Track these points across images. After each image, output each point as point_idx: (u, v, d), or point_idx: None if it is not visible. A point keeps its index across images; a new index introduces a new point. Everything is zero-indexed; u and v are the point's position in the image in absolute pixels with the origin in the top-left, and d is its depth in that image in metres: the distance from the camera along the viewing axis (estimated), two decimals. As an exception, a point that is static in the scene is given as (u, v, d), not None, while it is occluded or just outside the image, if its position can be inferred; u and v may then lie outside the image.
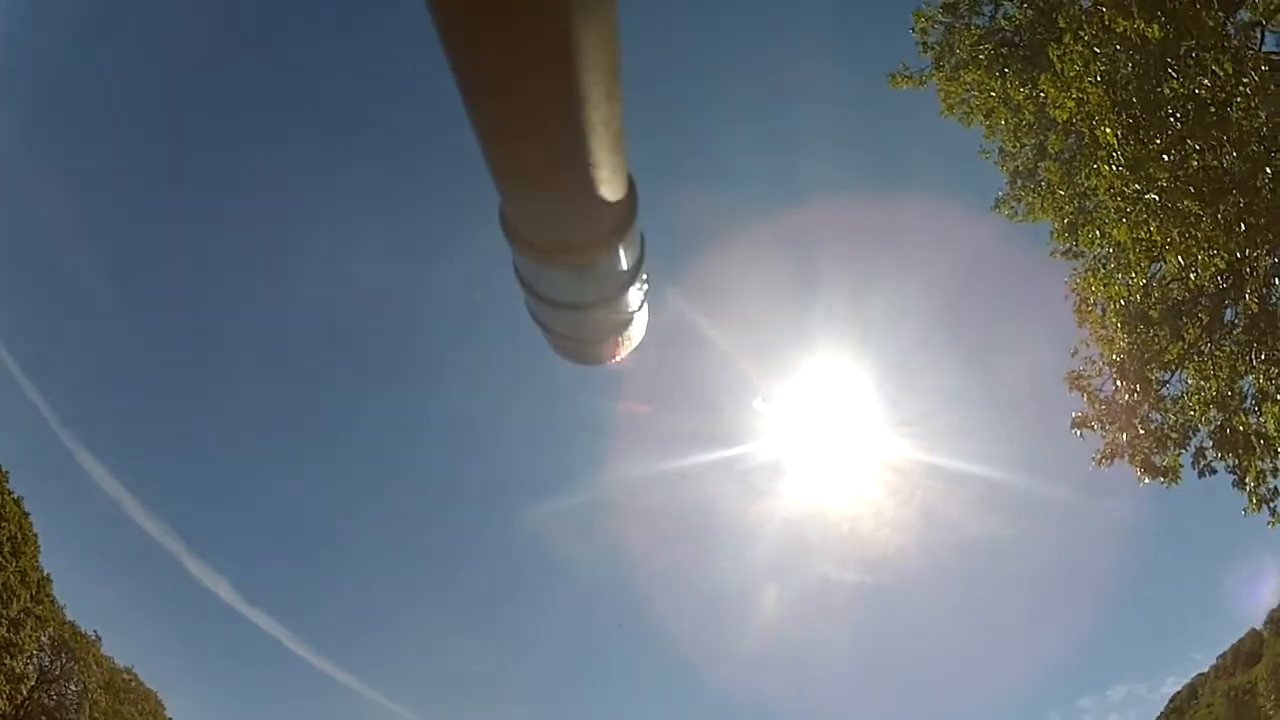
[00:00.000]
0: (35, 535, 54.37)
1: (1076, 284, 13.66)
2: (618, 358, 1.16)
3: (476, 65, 0.58)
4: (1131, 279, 12.27)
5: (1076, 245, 13.75)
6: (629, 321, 1.04)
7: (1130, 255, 12.03)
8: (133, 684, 61.19)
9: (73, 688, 56.67)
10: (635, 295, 0.98)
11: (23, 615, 51.31)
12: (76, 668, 56.62)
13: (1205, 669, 76.00)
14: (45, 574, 55.03)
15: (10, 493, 53.61)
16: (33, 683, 54.30)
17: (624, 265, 0.90)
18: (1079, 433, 13.43)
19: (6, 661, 49.92)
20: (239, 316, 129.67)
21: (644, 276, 0.97)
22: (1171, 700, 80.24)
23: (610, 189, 0.75)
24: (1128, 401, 12.86)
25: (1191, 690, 77.03)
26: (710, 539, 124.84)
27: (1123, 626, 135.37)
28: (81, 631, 58.26)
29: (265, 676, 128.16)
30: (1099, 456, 13.22)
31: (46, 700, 55.16)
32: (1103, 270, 13.01)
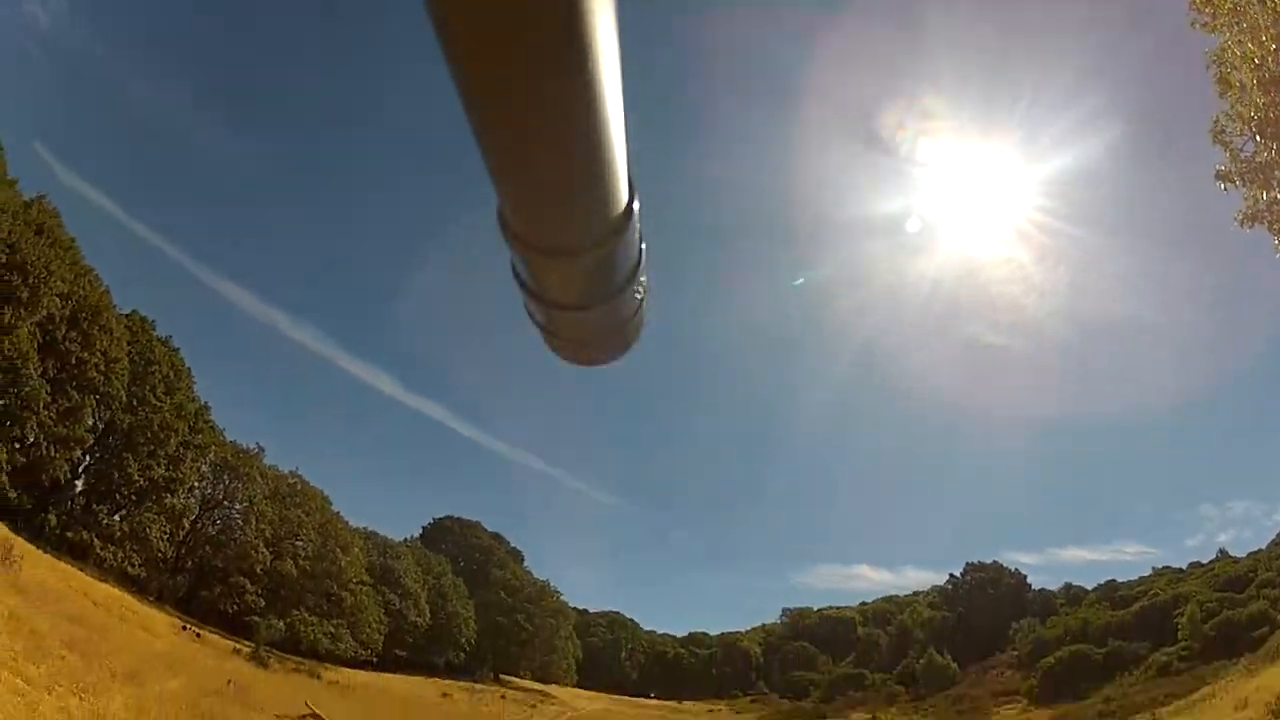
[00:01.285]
0: (188, 369, 56.64)
1: (1215, 54, 13.83)
2: (617, 359, 1.15)
3: (475, 65, 0.58)
4: (1264, 42, 12.35)
5: (1214, 13, 13.56)
6: (628, 322, 1.06)
7: (1262, 24, 12.02)
8: (298, 487, 64.69)
9: (238, 507, 60.99)
10: (634, 296, 1.00)
11: (181, 449, 54.63)
12: (240, 485, 60.47)
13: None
14: (202, 403, 57.93)
15: (157, 338, 56.11)
16: (195, 514, 59.26)
17: (623, 266, 0.91)
18: (1223, 186, 14.02)
19: (167, 500, 54.30)
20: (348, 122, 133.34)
21: (643, 277, 0.98)
22: (1286, 528, 76.23)
23: (610, 189, 0.75)
24: (1267, 160, 13.19)
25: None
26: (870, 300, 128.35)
27: (1252, 441, 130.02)
28: (243, 449, 61.83)
29: (430, 459, 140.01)
30: (1241, 217, 13.83)
31: (210, 527, 60.10)
32: (1238, 31, 13.13)
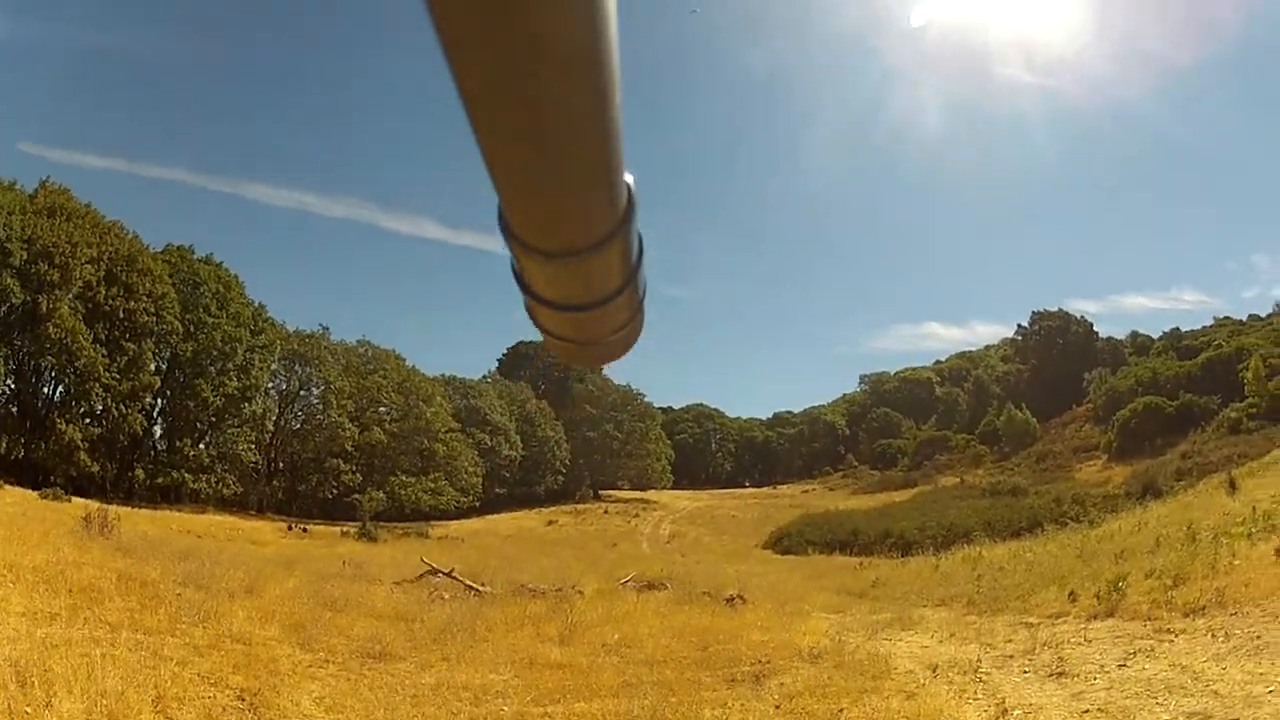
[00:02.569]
0: (236, 278, 59.01)
1: None
2: (615, 359, 1.17)
3: (475, 65, 0.58)
4: None
5: None
6: (628, 322, 1.06)
7: None
8: (369, 353, 67.82)
9: (315, 391, 64.64)
10: (634, 296, 1.00)
11: (248, 355, 57.86)
12: (313, 370, 64.05)
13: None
14: (257, 304, 60.80)
15: (199, 258, 57.64)
16: (276, 413, 62.95)
17: (623, 266, 0.92)
18: None
19: (246, 408, 57.78)
20: None
21: (642, 277, 0.99)
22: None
23: (608, 190, 0.76)
24: None
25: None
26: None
27: None
28: (308, 334, 65.00)
29: (485, 292, 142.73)
30: None
31: (293, 423, 64.11)
32: None
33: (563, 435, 78.21)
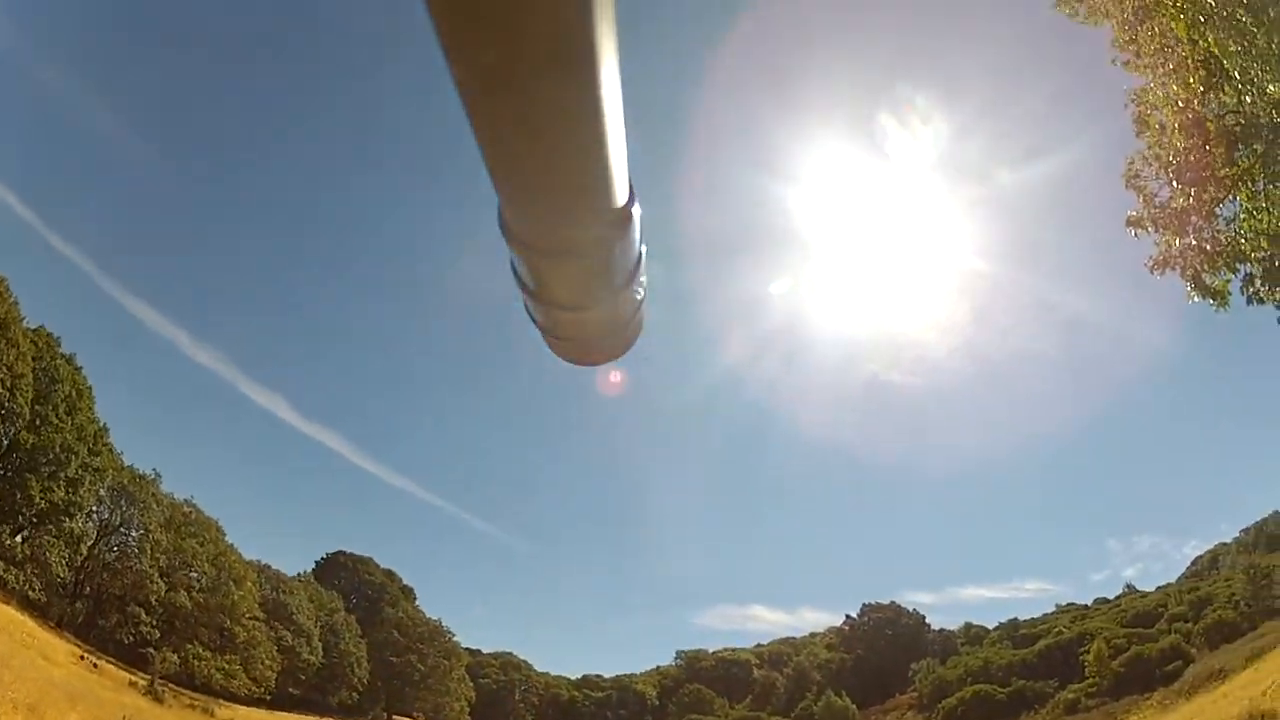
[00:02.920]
0: (90, 389, 55.39)
1: (1136, 93, 13.54)
2: (616, 359, 1.14)
3: (474, 62, 0.57)
4: (1190, 85, 11.94)
5: (1137, 51, 13.19)
6: (629, 322, 1.04)
7: (1189, 64, 11.68)
8: (193, 516, 63.39)
9: (134, 534, 58.91)
10: (635, 295, 0.98)
11: (81, 471, 53.01)
12: (136, 512, 58.68)
13: (1228, 539, 76.99)
14: (102, 424, 56.40)
15: (62, 355, 54.51)
16: (93, 539, 56.95)
17: (624, 265, 0.90)
18: (1134, 233, 13.56)
19: (66, 524, 52.20)
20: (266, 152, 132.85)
21: (643, 276, 0.97)
22: (1193, 563, 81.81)
23: (609, 187, 0.74)
24: (1182, 206, 12.79)
25: (1213, 558, 78.14)
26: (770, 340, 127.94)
27: (1157, 477, 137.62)
28: (141, 474, 60.28)
29: (326, 491, 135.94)
30: (1152, 264, 13.39)
31: (107, 554, 57.87)
32: (1161, 72, 12.67)
33: (365, 654, 73.11)
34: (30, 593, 47.16)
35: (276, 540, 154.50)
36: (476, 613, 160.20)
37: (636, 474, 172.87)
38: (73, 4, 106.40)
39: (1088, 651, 61.98)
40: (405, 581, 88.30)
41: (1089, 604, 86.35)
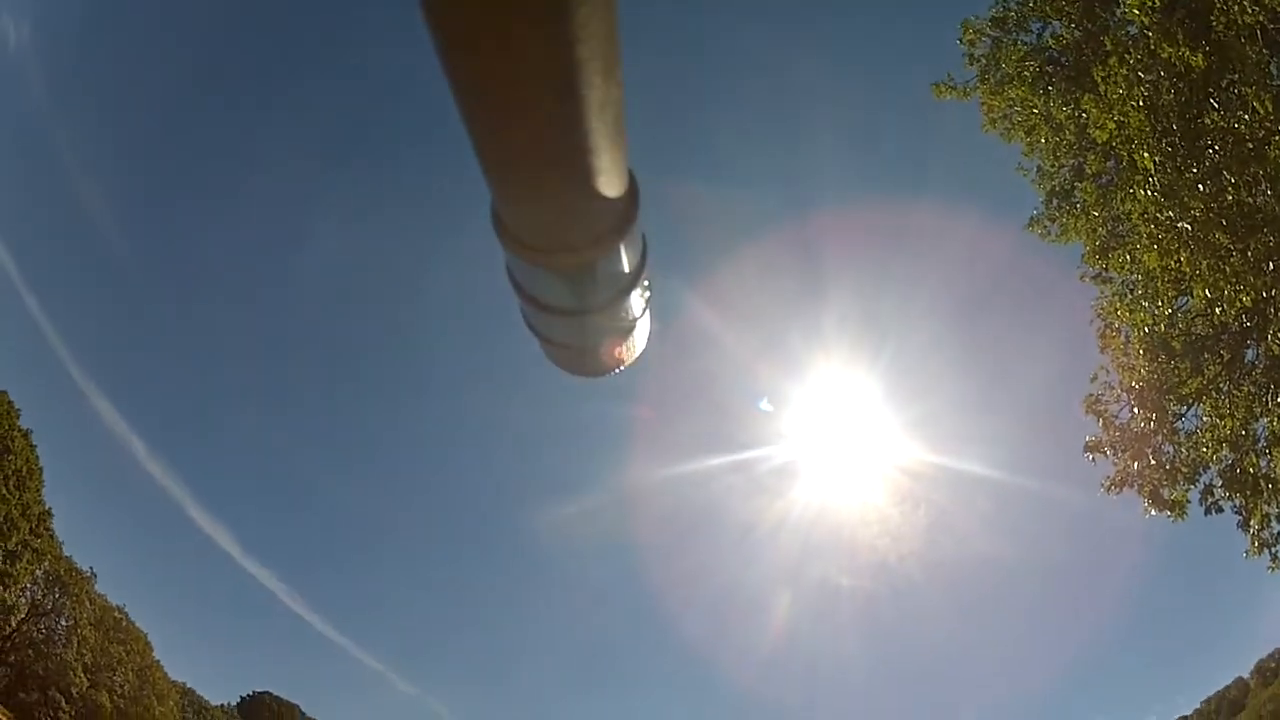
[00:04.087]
0: (41, 469, 54.45)
1: (1103, 309, 13.73)
2: (619, 368, 1.07)
3: (467, 54, 0.55)
4: (1158, 308, 12.30)
5: (1106, 270, 13.61)
6: (631, 328, 0.98)
7: (1159, 284, 12.05)
8: (123, 623, 61.43)
9: (63, 622, 57.12)
10: (637, 300, 0.92)
11: (20, 547, 51.66)
12: (68, 603, 57.01)
13: (1188, 712, 76.03)
14: (47, 508, 55.19)
15: (20, 427, 53.87)
16: (23, 615, 54.84)
17: (625, 267, 0.85)
18: (1091, 458, 13.44)
19: (0, 592, 50.40)
20: (249, 268, 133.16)
21: (646, 280, 0.91)
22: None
23: (609, 185, 0.71)
24: (1142, 430, 12.78)
25: (1174, 734, 76.96)
26: (720, 542, 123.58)
27: (1111, 657, 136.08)
28: (77, 567, 58.67)
29: (256, 628, 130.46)
30: (1108, 484, 13.25)
31: (35, 633, 55.74)
32: (1130, 296, 12.92)
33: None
34: None
35: (204, 666, 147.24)
36: None
37: (571, 671, 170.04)
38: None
39: None
40: None
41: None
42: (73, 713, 53.39)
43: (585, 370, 1.07)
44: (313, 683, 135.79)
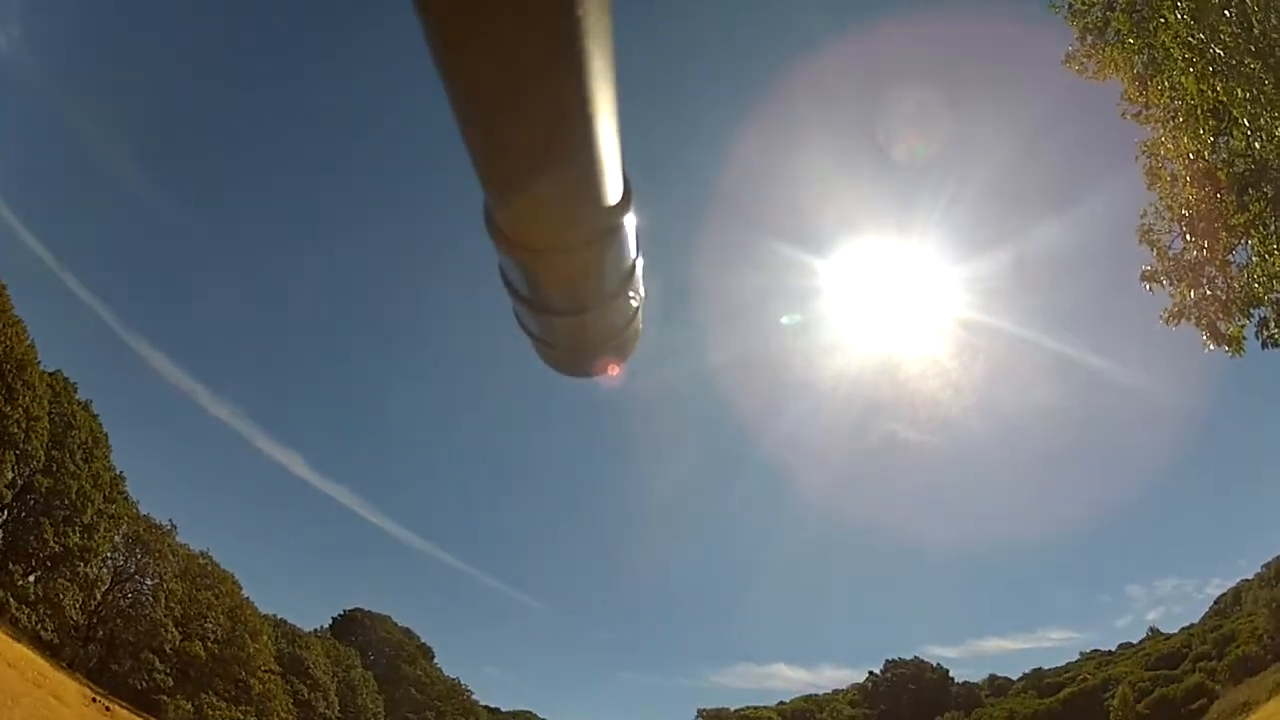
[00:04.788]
0: (106, 436, 55.80)
1: (1147, 145, 13.62)
2: (613, 369, 1.07)
3: (459, 50, 0.54)
4: (1200, 135, 12.08)
5: (1147, 103, 13.47)
6: (625, 328, 0.98)
7: (1199, 114, 11.85)
8: (209, 568, 63.37)
9: (148, 582, 58.94)
10: (631, 299, 0.92)
11: (96, 518, 53.22)
12: (151, 561, 58.78)
13: (1250, 575, 76.31)
14: (118, 472, 56.75)
15: (78, 401, 54.99)
16: (107, 585, 56.99)
17: (618, 266, 0.85)
18: (1148, 287, 13.66)
19: (80, 568, 52.36)
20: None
21: (639, 279, 0.91)
22: (1216, 601, 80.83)
23: (603, 185, 0.70)
24: (1195, 258, 12.94)
25: (1235, 595, 77.30)
26: (785, 396, 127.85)
27: (1175, 520, 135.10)
28: (156, 523, 60.31)
29: (340, 547, 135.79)
30: (1166, 315, 13.51)
31: (121, 600, 57.96)
32: (1172, 124, 12.77)
33: (383, 710, 72.88)
34: (42, 633, 47.46)
35: (293, 596, 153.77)
36: (489, 672, 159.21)
37: (654, 533, 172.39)
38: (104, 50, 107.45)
39: (1113, 697, 62.34)
40: (422, 640, 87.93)
41: (1113, 649, 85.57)
42: (167, 669, 55.49)
43: (580, 371, 1.07)
44: (401, 591, 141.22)
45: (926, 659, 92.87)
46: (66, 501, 50.62)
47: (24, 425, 47.56)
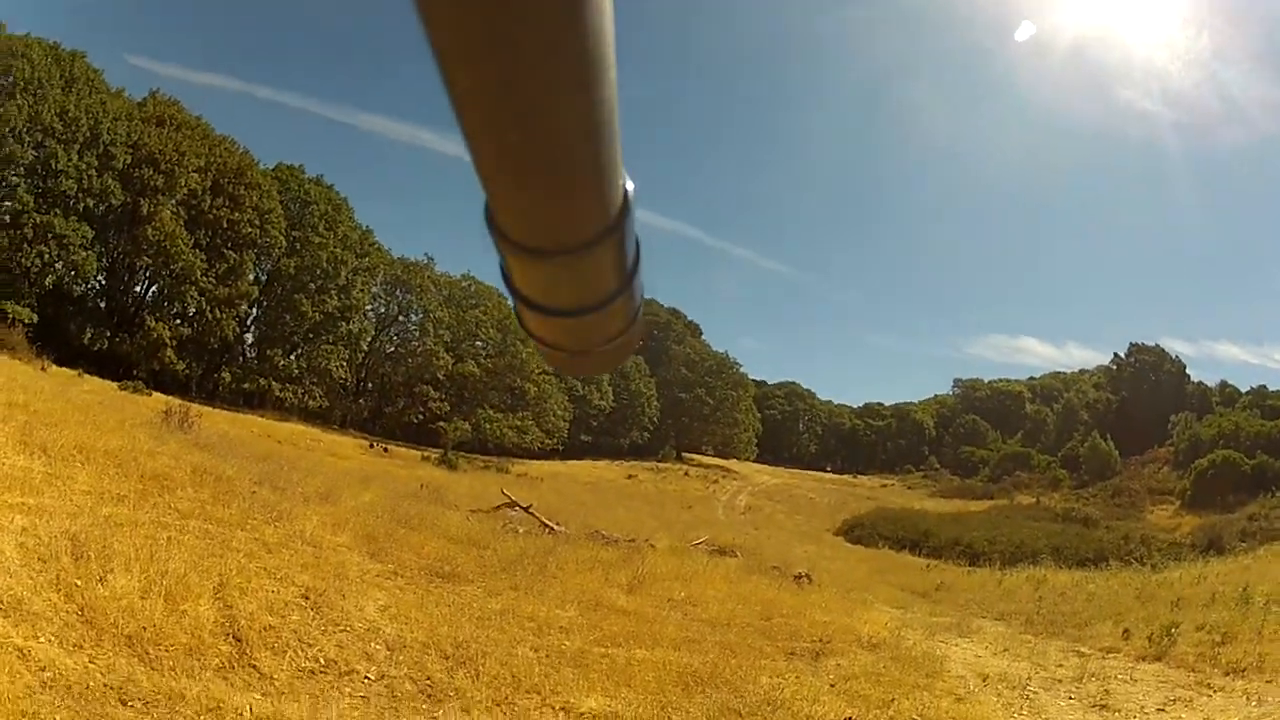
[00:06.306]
0: (345, 200, 60.62)
1: None
2: (611, 370, 1.12)
3: (461, 49, 0.54)
4: None
5: None
6: (626, 328, 0.99)
7: None
8: (472, 288, 68.63)
9: (414, 318, 65.85)
10: (630, 302, 0.93)
11: (351, 277, 59.20)
12: (414, 297, 65.24)
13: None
14: (364, 228, 62.20)
15: (309, 178, 59.03)
16: (371, 335, 64.10)
17: (620, 267, 0.86)
18: None
19: (343, 327, 59.11)
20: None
21: (640, 278, 0.92)
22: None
23: (604, 185, 0.71)
24: None
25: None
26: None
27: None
28: (413, 262, 66.08)
29: None
30: None
31: (387, 345, 65.22)
32: None
33: (654, 393, 78.10)
34: (310, 402, 55.51)
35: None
36: (746, 344, 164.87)
37: (901, 194, 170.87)
38: None
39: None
40: (690, 319, 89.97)
41: (1346, 380, 75.89)
42: (441, 396, 62.75)
43: (583, 370, 1.12)
44: (656, 272, 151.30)
45: (1167, 350, 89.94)
46: (319, 271, 56.76)
47: (257, 223, 52.56)
